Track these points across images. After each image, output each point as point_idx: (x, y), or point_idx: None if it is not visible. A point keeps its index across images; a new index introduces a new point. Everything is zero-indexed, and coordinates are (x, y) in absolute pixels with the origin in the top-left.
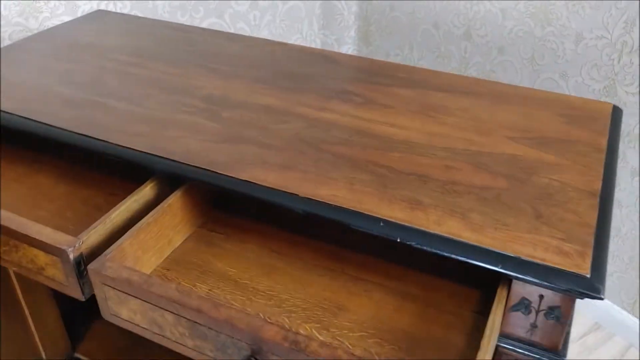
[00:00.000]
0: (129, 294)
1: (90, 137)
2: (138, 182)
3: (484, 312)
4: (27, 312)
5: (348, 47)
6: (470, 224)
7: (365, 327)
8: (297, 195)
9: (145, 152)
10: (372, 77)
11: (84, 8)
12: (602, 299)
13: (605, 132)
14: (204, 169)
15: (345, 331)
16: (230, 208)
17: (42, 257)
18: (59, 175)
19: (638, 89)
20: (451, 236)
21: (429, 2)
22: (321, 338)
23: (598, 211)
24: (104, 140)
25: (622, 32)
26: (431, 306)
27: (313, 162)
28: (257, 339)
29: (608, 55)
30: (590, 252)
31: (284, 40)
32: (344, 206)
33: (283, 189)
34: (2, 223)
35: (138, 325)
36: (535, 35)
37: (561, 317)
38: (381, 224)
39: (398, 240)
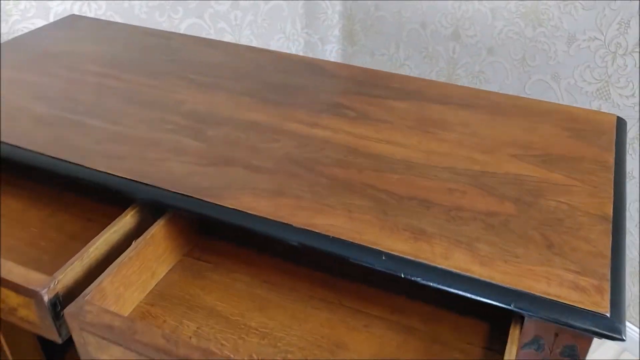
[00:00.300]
0: (111, 341)
1: (64, 160)
2: (116, 206)
3: (492, 348)
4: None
5: (332, 47)
6: (479, 256)
7: None
8: (292, 225)
9: (124, 178)
10: (364, 88)
11: (57, 10)
12: (623, 340)
13: (611, 147)
14: (189, 196)
15: None
16: (217, 233)
17: (13, 298)
18: (31, 199)
19: (632, 92)
20: (460, 271)
21: (415, 1)
22: None
23: (612, 238)
24: (79, 165)
25: (616, 33)
26: (437, 342)
27: (307, 187)
28: None
29: (601, 57)
30: (607, 287)
31: (267, 40)
32: (343, 237)
33: (276, 219)
34: None
35: None
36: (526, 35)
37: (577, 356)
38: (383, 257)
39: (402, 276)
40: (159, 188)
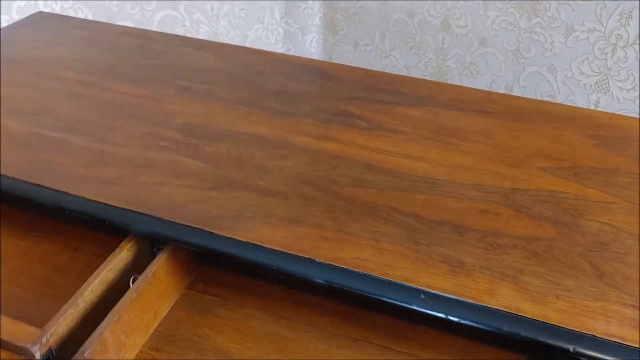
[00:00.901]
0: None
1: (46, 187)
2: (106, 233)
3: None
4: None
5: (313, 36)
6: (528, 291)
7: None
8: (315, 260)
9: (118, 207)
10: (371, 94)
11: (20, 4)
12: None
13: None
14: (196, 227)
15: None
16: (221, 261)
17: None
18: (7, 227)
19: (633, 85)
20: (510, 311)
21: None
22: None
23: None
24: (64, 192)
25: (616, 24)
26: None
27: (326, 212)
28: None
29: (601, 49)
30: None
31: (245, 31)
32: (374, 274)
33: (297, 253)
34: None
35: None
36: (521, 26)
37: None
38: (422, 296)
39: (445, 317)
40: (159, 218)
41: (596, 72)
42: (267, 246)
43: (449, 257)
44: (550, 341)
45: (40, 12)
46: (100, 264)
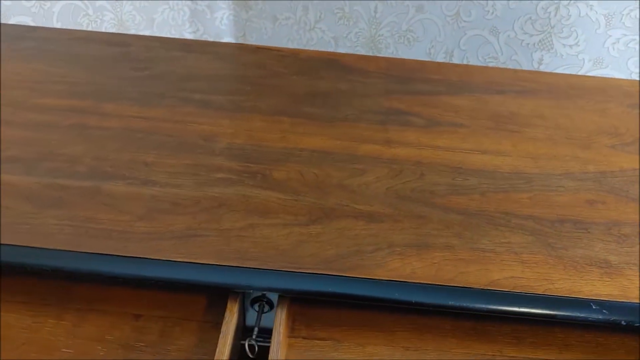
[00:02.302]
0: None
1: (105, 255)
2: (161, 291)
3: None
4: None
5: (223, 13)
6: None
7: None
8: (471, 289)
9: (218, 265)
10: (405, 85)
11: None
12: None
13: None
14: (327, 274)
15: None
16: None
17: None
18: (33, 307)
19: (576, 41)
20: None
21: None
22: None
23: None
24: (139, 258)
25: None
26: None
27: (446, 230)
28: None
29: (544, 8)
30: None
31: (151, 15)
32: (535, 292)
33: (447, 284)
34: None
35: None
36: None
37: None
38: (593, 306)
39: (624, 323)
40: (277, 271)
41: (539, 31)
42: (410, 281)
43: (592, 258)
44: None
45: None
46: (177, 329)
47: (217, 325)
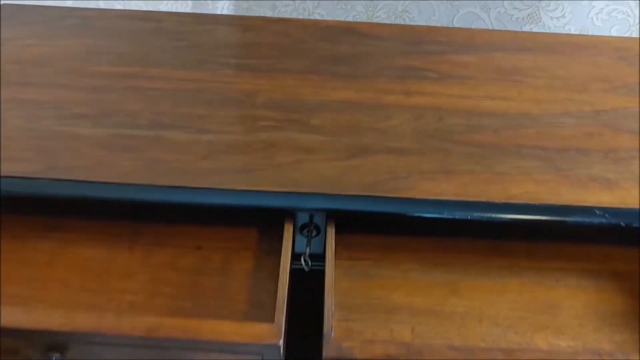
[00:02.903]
0: None
1: (179, 187)
2: (215, 226)
3: None
4: None
5: (224, 4)
6: None
7: (593, 320)
8: (493, 202)
9: (278, 192)
10: (417, 47)
11: None
12: None
13: None
14: (371, 196)
15: (577, 329)
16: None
17: None
18: (106, 243)
19: (562, 13)
20: None
21: None
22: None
23: None
24: (201, 188)
25: None
26: (625, 277)
27: (467, 159)
28: None
29: None
30: None
31: (157, 6)
32: (550, 201)
33: (473, 199)
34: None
35: None
36: None
37: None
38: (596, 212)
39: (623, 224)
40: (329, 195)
41: (527, 6)
42: (443, 199)
43: (593, 176)
44: None
45: (5, 5)
46: (235, 257)
47: (269, 253)
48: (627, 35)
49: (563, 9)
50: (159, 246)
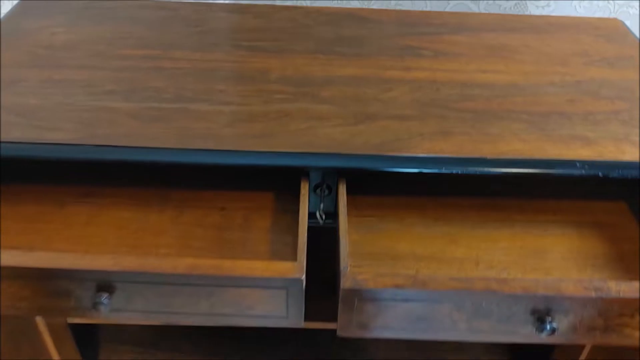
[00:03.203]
0: (398, 300)
1: (206, 150)
2: (229, 189)
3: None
4: None
5: None
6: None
7: (577, 262)
8: (486, 158)
9: (295, 152)
10: (413, 29)
11: None
12: None
13: (636, 43)
14: (379, 155)
15: (563, 270)
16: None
17: (251, 295)
18: (136, 205)
19: (547, 3)
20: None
21: None
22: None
23: None
24: (232, 150)
25: None
26: (605, 226)
27: (462, 123)
28: (558, 299)
29: None
30: None
31: None
32: (536, 157)
33: (469, 155)
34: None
35: (394, 329)
36: None
37: None
38: (577, 165)
39: (601, 175)
40: (341, 154)
41: None
42: (441, 155)
43: (575, 135)
44: None
45: (22, 2)
46: (255, 215)
47: (286, 212)
48: None
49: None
50: (187, 208)
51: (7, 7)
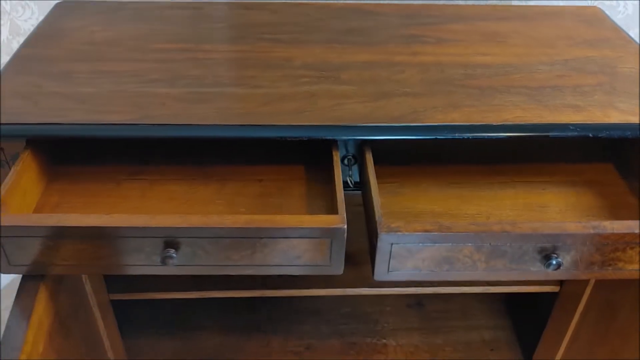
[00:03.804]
0: (427, 243)
1: (247, 125)
2: (264, 164)
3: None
4: None
5: None
6: (623, 110)
7: (574, 213)
8: (493, 124)
9: (326, 125)
10: (415, 20)
11: None
12: None
13: (615, 27)
14: (403, 125)
15: (560, 220)
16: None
17: (299, 246)
18: (180, 181)
19: None
20: (628, 122)
21: None
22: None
23: None
24: (275, 125)
25: None
26: (595, 184)
27: (468, 97)
28: (562, 237)
29: None
30: None
31: None
32: (535, 122)
33: (477, 122)
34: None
35: (423, 271)
36: None
37: None
38: (570, 127)
39: (591, 135)
40: (362, 125)
41: None
42: (455, 123)
43: (567, 104)
44: None
45: (61, 3)
46: (289, 184)
47: (317, 182)
48: None
49: None
50: (228, 181)
51: (6, 7)
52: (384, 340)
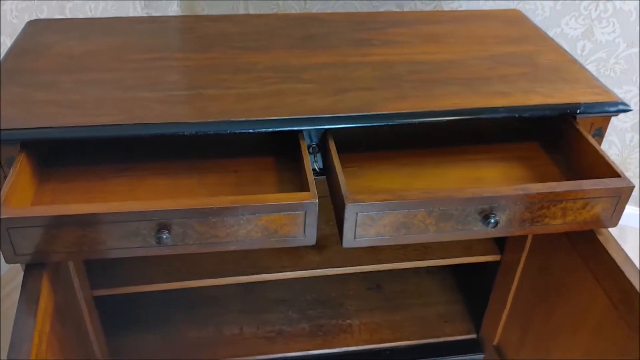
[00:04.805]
0: (384, 211)
1: (224, 121)
2: (238, 157)
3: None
4: None
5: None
6: (544, 93)
7: (507, 183)
8: (436, 110)
9: (292, 117)
10: (363, 26)
11: None
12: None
13: (534, 27)
14: (355, 115)
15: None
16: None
17: (278, 220)
18: (164, 175)
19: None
20: (546, 103)
21: None
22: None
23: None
24: (250, 120)
25: None
26: (524, 159)
27: (413, 89)
28: (497, 198)
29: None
30: (610, 91)
31: None
32: (470, 107)
33: (422, 110)
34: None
35: (385, 236)
36: None
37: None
38: (499, 110)
39: (516, 116)
40: (323, 116)
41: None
42: (401, 111)
43: (495, 91)
44: (564, 110)
45: (34, 20)
46: (262, 173)
47: (287, 169)
48: None
49: (614, 25)
50: (208, 173)
51: (7, 7)
52: (349, 321)
